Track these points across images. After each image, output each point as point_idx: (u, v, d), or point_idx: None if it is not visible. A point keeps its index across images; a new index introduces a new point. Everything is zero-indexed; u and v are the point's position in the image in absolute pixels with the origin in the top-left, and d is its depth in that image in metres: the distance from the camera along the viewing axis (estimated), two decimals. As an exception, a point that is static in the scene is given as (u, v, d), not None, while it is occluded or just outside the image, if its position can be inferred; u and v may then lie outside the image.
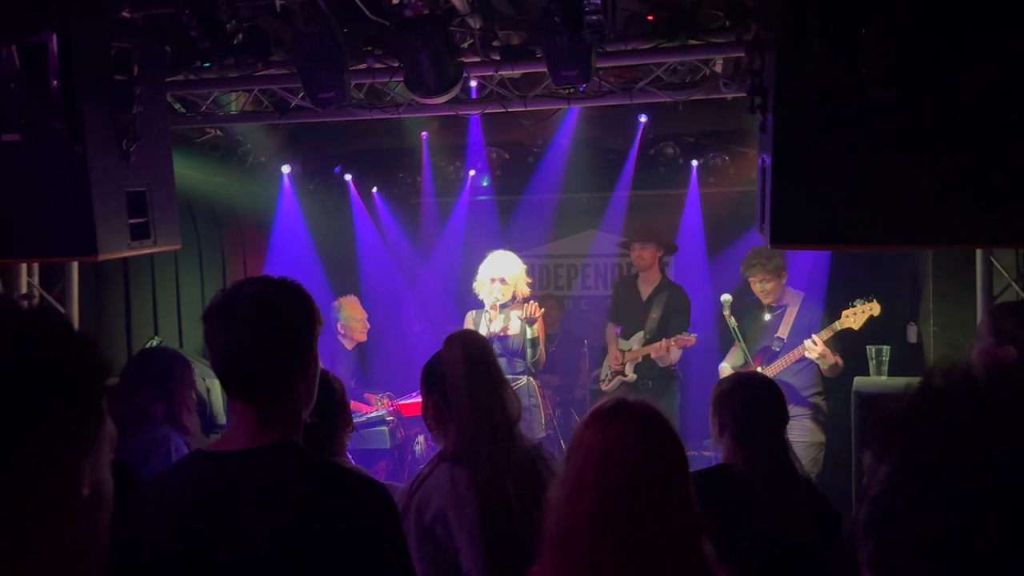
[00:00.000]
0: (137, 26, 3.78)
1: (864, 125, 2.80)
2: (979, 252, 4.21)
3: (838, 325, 4.83)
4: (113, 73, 3.53)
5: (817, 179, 2.87)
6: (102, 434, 0.87)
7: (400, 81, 4.26)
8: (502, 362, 5.02)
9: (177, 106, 4.94)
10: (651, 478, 1.60)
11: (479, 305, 5.30)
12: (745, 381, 2.77)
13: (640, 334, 5.71)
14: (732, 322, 5.07)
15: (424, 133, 6.79)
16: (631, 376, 5.68)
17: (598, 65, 4.00)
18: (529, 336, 5.03)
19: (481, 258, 5.36)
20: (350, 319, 5.97)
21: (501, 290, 5.14)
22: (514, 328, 5.15)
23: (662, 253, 5.89)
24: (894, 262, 5.88)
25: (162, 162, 3.94)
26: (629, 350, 5.73)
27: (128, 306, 5.47)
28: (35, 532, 0.80)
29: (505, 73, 4.34)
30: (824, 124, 2.84)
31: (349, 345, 5.98)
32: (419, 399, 2.59)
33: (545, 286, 7.97)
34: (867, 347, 4.70)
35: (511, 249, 5.46)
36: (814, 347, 4.80)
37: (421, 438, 5.65)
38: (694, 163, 6.81)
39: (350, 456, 2.95)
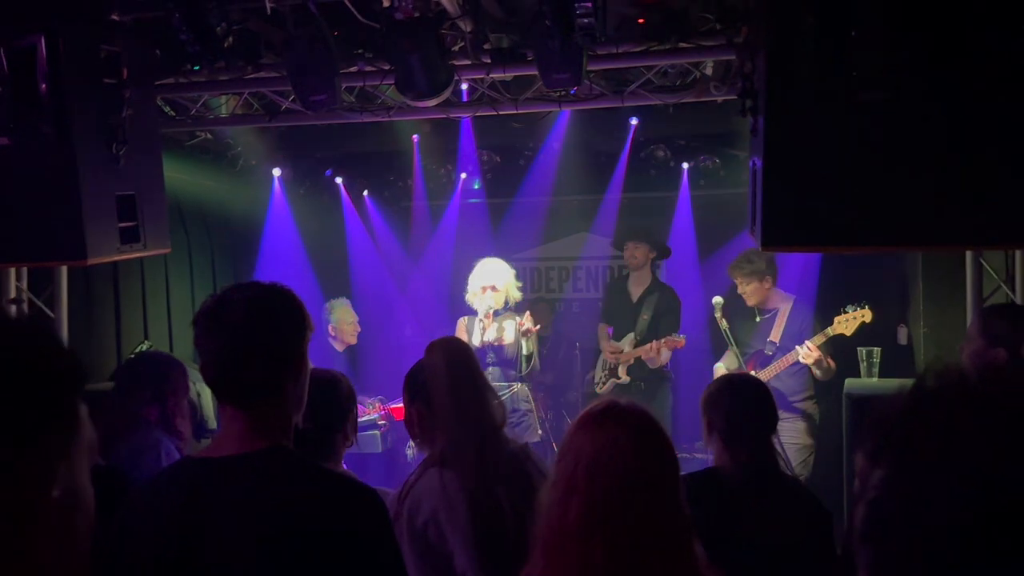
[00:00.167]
0: (126, 29, 3.76)
1: (854, 127, 2.81)
2: (968, 254, 4.23)
3: (831, 331, 4.85)
4: (102, 76, 3.52)
5: (808, 181, 2.88)
6: (78, 440, 0.87)
7: (391, 84, 4.26)
8: (497, 371, 5.17)
9: (167, 109, 4.92)
10: (641, 481, 1.60)
11: (471, 311, 5.31)
12: (735, 383, 2.77)
13: (631, 335, 5.72)
14: (723, 324, 5.09)
15: (415, 136, 6.79)
16: (624, 378, 5.70)
17: (589, 68, 4.01)
18: (524, 352, 5.13)
19: (472, 261, 5.37)
20: (341, 321, 5.96)
21: (493, 297, 5.18)
22: (508, 337, 5.18)
23: (655, 254, 5.91)
24: (884, 264, 5.91)
25: (152, 166, 3.92)
26: (621, 351, 5.74)
27: (118, 310, 5.45)
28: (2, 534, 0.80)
29: (496, 76, 4.34)
30: (814, 126, 2.84)
31: (340, 347, 5.97)
32: (408, 405, 2.57)
33: (537, 289, 7.97)
34: (858, 349, 4.72)
35: (502, 252, 5.48)
36: (809, 353, 4.81)
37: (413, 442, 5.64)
38: (685, 166, 6.82)
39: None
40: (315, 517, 1.60)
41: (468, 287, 5.31)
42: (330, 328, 5.93)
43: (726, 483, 2.50)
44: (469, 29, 3.93)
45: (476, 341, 5.13)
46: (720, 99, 4.48)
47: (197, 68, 4.19)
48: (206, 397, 4.59)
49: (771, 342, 5.08)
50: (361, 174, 7.46)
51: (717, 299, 5.16)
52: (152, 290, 5.76)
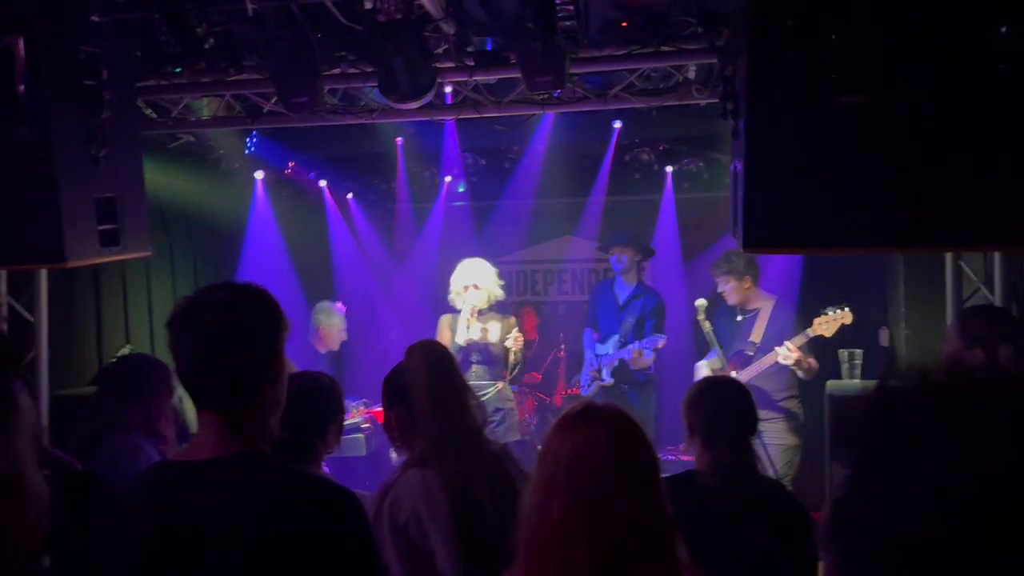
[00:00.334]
0: (107, 30, 3.73)
1: (834, 130, 2.82)
2: (948, 256, 4.26)
3: (811, 332, 4.87)
4: (82, 78, 3.48)
5: (788, 184, 2.89)
6: (13, 424, 0.85)
7: (374, 86, 4.25)
8: (481, 369, 5.18)
9: (148, 111, 4.88)
10: (621, 482, 1.60)
11: (454, 312, 5.32)
12: (715, 385, 2.79)
13: (615, 338, 5.74)
14: (707, 326, 5.12)
15: (399, 139, 6.78)
16: (608, 381, 5.71)
17: (572, 71, 4.01)
18: (512, 361, 5.18)
19: (457, 264, 5.39)
20: (329, 324, 5.93)
21: (476, 295, 5.20)
22: (493, 336, 5.19)
23: (640, 257, 5.94)
24: (866, 266, 5.94)
25: (132, 168, 3.89)
26: (606, 354, 5.76)
27: (99, 313, 5.40)
28: None
29: (480, 79, 4.34)
30: (795, 129, 2.85)
31: (322, 349, 5.93)
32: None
33: (522, 292, 7.97)
34: (839, 350, 4.74)
35: (487, 255, 5.50)
36: (789, 354, 4.83)
37: (397, 445, 5.63)
38: (668, 169, 6.85)
39: (324, 465, 2.91)
40: (291, 520, 1.58)
41: (451, 287, 5.33)
42: (320, 330, 5.89)
43: (704, 485, 2.50)
44: (452, 32, 3.93)
45: (460, 339, 5.15)
46: (703, 102, 4.50)
47: (178, 70, 4.17)
48: (188, 401, 4.55)
49: (751, 342, 5.10)
50: (345, 177, 7.44)
51: (700, 301, 5.19)
52: (133, 294, 5.72)
